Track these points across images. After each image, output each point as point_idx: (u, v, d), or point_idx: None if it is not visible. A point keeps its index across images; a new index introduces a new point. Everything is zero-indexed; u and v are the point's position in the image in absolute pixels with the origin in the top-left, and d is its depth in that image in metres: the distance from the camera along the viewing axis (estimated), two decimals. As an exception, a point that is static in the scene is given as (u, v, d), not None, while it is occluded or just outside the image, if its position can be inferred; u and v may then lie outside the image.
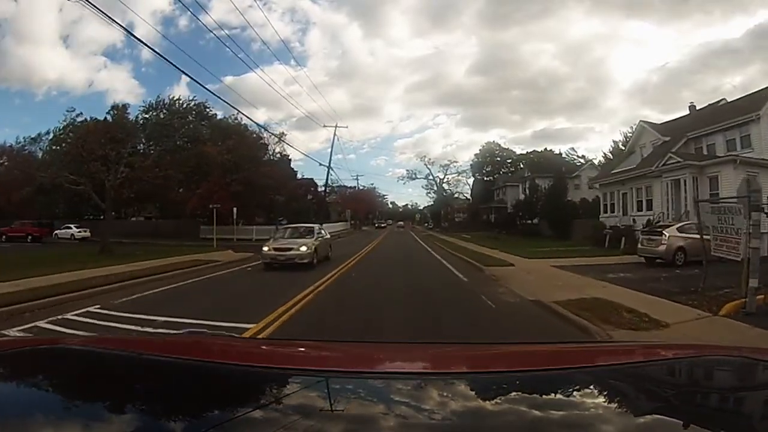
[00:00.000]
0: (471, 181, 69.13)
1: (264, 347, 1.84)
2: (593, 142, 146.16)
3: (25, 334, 6.07)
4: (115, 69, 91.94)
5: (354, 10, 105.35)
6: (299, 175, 56.58)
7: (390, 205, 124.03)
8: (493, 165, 66.05)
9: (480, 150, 67.23)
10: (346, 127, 42.85)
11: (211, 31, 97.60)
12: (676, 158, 20.36)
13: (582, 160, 50.54)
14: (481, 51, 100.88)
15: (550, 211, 33.54)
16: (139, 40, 39.80)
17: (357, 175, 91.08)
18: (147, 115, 48.02)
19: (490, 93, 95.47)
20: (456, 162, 72.28)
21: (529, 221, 40.14)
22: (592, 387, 1.06)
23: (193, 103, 49.73)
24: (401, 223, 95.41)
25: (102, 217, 50.38)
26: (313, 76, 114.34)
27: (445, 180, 68.63)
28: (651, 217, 21.69)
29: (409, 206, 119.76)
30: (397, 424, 0.82)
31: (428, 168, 70.05)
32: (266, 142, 37.95)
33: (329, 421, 0.83)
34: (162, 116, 47.98)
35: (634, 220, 22.82)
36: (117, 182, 22.93)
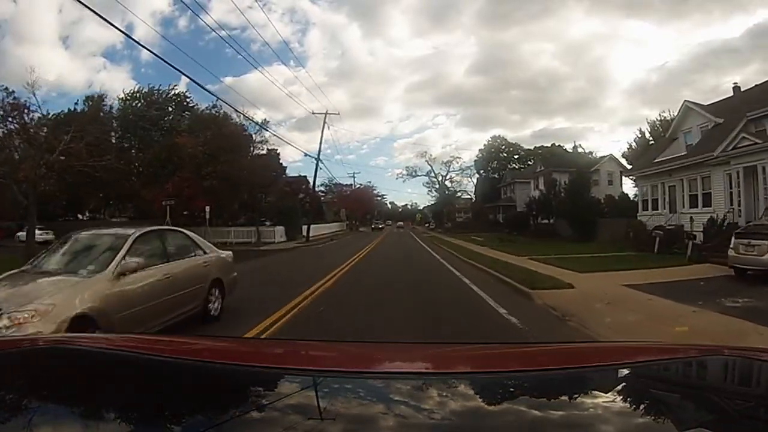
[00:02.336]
0: (474, 179, 64.92)
1: (264, 347, 1.82)
2: (593, 141, 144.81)
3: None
4: (114, 70, 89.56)
5: (353, 10, 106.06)
6: (302, 176, 52.50)
7: (389, 205, 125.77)
8: (499, 161, 61.60)
9: (485, 145, 62.79)
10: (338, 113, 39.61)
11: (213, 30, 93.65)
12: (753, 139, 16.01)
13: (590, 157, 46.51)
14: (481, 51, 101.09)
15: (571, 210, 29.22)
16: (137, 42, 35.54)
17: (354, 173, 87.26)
18: (123, 106, 44.54)
19: (490, 93, 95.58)
20: (459, 158, 67.63)
21: (546, 221, 35.95)
22: (592, 387, 1.06)
23: (173, 92, 46.27)
24: (401, 223, 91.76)
25: (85, 218, 46.80)
26: (312, 77, 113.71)
27: (448, 177, 64.31)
28: (713, 215, 17.43)
29: (409, 206, 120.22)
30: (396, 424, 0.81)
31: (430, 165, 65.74)
32: (251, 134, 33.50)
33: (329, 421, 0.81)
34: (139, 106, 44.23)
35: (692, 218, 18.50)
36: (41, 171, 18.35)
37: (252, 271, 13.57)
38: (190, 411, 0.89)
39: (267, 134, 33.59)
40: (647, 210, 22.83)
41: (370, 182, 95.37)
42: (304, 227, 33.85)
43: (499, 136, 62.71)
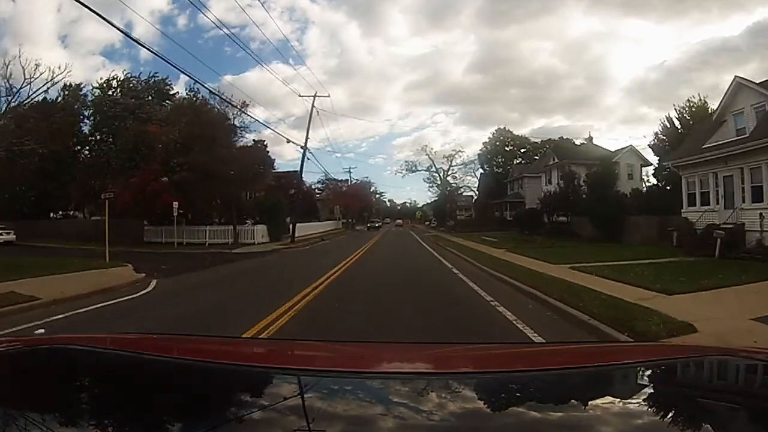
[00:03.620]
0: (478, 174, 61.11)
1: (264, 347, 1.85)
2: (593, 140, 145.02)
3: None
4: (112, 69, 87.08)
5: (353, 9, 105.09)
6: (293, 171, 48.72)
7: (387, 203, 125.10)
8: (504, 156, 57.64)
9: (489, 138, 58.41)
10: (328, 95, 36.39)
11: (218, 26, 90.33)
12: None
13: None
14: (480, 49, 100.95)
15: (594, 206, 25.64)
16: (135, 40, 32.18)
17: (350, 168, 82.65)
18: (98, 95, 40.82)
19: (489, 91, 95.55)
20: (462, 151, 63.34)
21: (564, 218, 32.39)
22: (592, 387, 1.06)
23: (152, 80, 42.50)
24: (399, 221, 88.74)
25: (58, 216, 43.00)
26: (311, 75, 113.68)
27: (450, 172, 60.56)
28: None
29: (408, 204, 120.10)
30: (396, 424, 0.81)
31: (431, 159, 61.93)
32: (235, 123, 29.53)
33: (329, 421, 0.82)
34: (114, 95, 40.52)
35: (761, 215, 14.89)
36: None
37: (176, 292, 10.07)
38: (189, 411, 0.89)
39: (254, 124, 29.80)
40: (694, 205, 19.17)
41: (367, 177, 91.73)
42: (295, 226, 30.18)
43: (505, 128, 58.47)
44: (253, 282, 11.81)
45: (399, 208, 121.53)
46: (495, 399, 0.98)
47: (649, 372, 1.19)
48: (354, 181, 66.33)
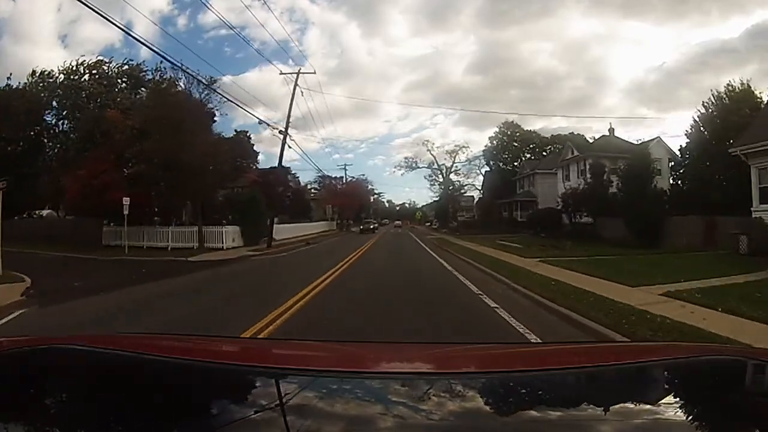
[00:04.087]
0: (483, 171, 57.00)
1: (264, 347, 1.82)
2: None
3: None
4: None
5: (353, 9, 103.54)
6: (283, 167, 44.70)
7: (386, 204, 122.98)
8: (512, 151, 53.39)
9: (495, 132, 53.69)
10: (314, 72, 31.56)
11: (225, 21, 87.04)
12: None
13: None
14: (480, 50, 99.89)
15: (631, 204, 21.67)
16: (135, 38, 28.31)
17: (345, 164, 70.33)
18: (62, 81, 36.93)
19: (488, 92, 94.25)
20: (467, 147, 58.50)
21: (588, 219, 28.56)
22: (592, 387, 1.06)
23: (126, 66, 38.54)
24: (398, 222, 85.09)
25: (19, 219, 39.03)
26: (310, 76, 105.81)
27: (453, 169, 56.40)
28: None
29: (407, 205, 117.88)
30: (395, 424, 0.80)
31: (432, 155, 57.76)
32: (212, 108, 25.24)
33: (328, 421, 0.82)
34: (82, 81, 36.61)
35: None
36: None
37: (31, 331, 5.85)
38: (189, 411, 0.88)
39: (242, 116, 25.65)
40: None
41: (363, 175, 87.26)
42: (277, 226, 26.24)
43: (512, 122, 53.50)
44: (168, 312, 7.73)
45: (398, 209, 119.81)
46: (495, 399, 0.97)
47: (649, 372, 1.18)
48: (350, 179, 62.25)
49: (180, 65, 21.09)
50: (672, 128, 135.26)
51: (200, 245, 20.84)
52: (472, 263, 14.86)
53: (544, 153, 50.54)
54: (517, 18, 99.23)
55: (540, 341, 5.12)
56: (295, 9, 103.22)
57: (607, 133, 37.50)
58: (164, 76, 26.49)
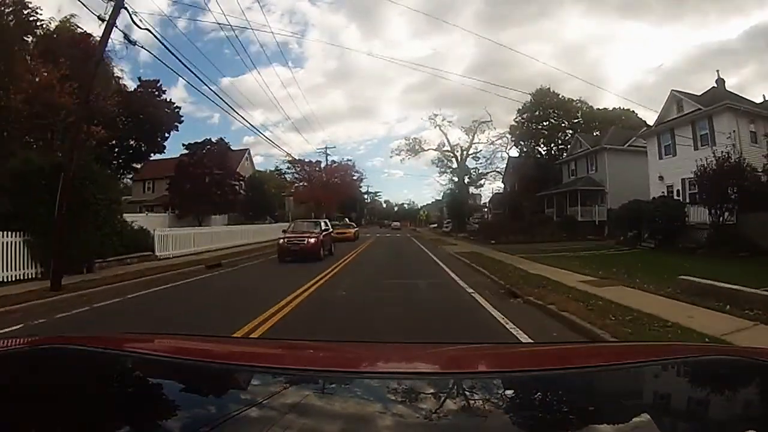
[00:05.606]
0: (507, 154, 43.85)
1: (263, 347, 1.83)
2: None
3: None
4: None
5: (352, 11, 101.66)
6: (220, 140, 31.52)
7: (384, 204, 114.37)
8: (549, 129, 39.62)
9: (525, 104, 38.36)
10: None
11: (226, 21, 75.92)
12: None
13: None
14: (479, 52, 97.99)
15: None
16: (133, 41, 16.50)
17: (326, 147, 52.87)
18: None
19: (487, 94, 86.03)
20: (489, 121, 42.72)
21: (727, 222, 17.01)
22: (591, 387, 1.05)
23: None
24: (397, 223, 72.45)
25: None
26: (309, 78, 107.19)
27: (473, 151, 43.09)
28: None
29: (406, 206, 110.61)
30: (395, 424, 0.80)
31: (443, 132, 44.36)
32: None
33: (326, 421, 0.82)
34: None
35: None
36: None
37: None
38: (189, 411, 0.88)
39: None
40: None
41: (350, 159, 72.08)
42: (159, 236, 13.40)
43: (548, 88, 38.59)
44: None
45: (396, 209, 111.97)
46: (494, 399, 0.95)
47: (648, 372, 1.18)
48: (331, 163, 46.99)
49: None
50: None
51: None
52: None
53: (593, 127, 37.64)
54: (516, 20, 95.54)
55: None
56: (294, 11, 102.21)
57: (715, 85, 24.39)
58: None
